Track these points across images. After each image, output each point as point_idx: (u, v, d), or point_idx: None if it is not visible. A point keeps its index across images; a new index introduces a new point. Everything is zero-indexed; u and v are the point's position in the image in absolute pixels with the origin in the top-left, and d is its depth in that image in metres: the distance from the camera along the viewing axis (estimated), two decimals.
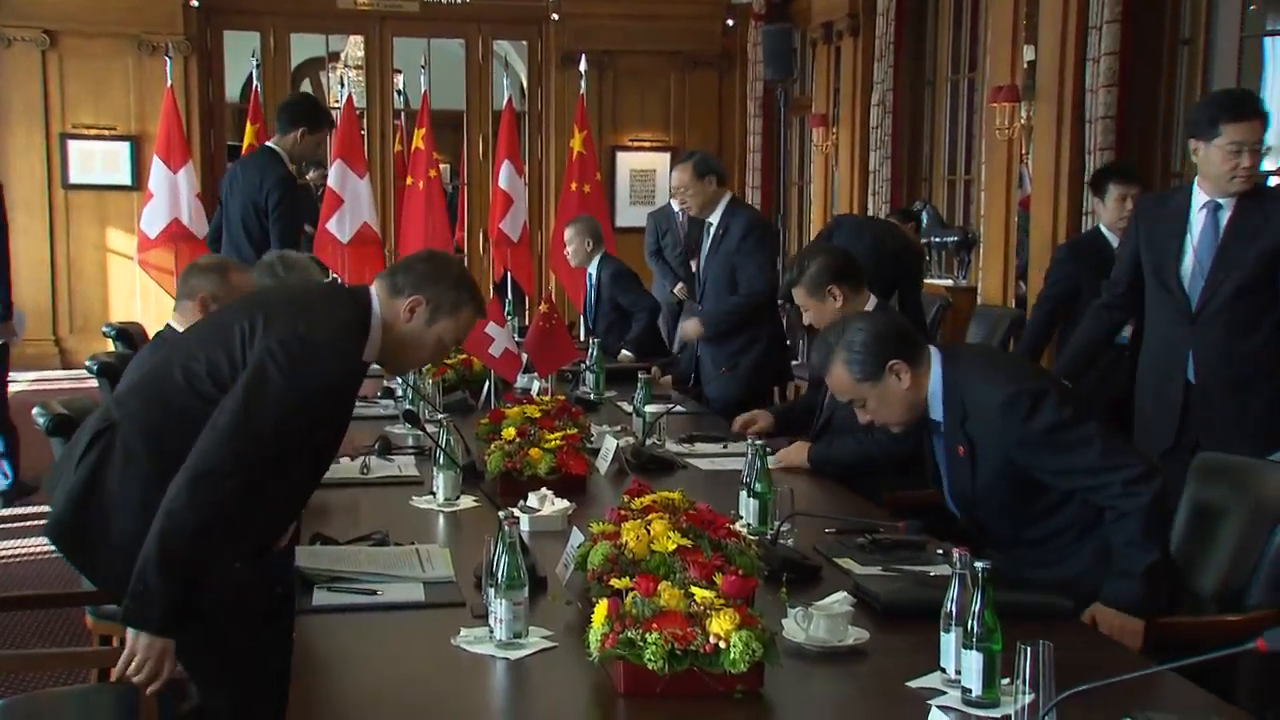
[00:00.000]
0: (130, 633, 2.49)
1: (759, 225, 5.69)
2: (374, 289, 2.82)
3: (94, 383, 4.82)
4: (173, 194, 9.80)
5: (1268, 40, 5.90)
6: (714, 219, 5.63)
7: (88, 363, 4.78)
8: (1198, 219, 4.01)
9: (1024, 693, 2.02)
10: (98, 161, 10.80)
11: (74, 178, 10.80)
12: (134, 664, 2.47)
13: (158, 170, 9.88)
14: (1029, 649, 2.01)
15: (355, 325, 2.75)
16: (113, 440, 2.67)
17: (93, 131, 10.81)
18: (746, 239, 5.52)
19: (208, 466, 2.49)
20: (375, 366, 2.92)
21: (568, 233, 7.09)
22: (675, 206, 9.12)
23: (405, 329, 2.81)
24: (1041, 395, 2.94)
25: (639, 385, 4.51)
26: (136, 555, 2.46)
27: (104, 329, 6.59)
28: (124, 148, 10.81)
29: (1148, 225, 4.19)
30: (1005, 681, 2.15)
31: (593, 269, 6.97)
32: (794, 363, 7.41)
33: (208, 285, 3.85)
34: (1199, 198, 4.01)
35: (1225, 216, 3.97)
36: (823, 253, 4.51)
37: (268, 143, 6.21)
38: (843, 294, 4.20)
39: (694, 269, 6.47)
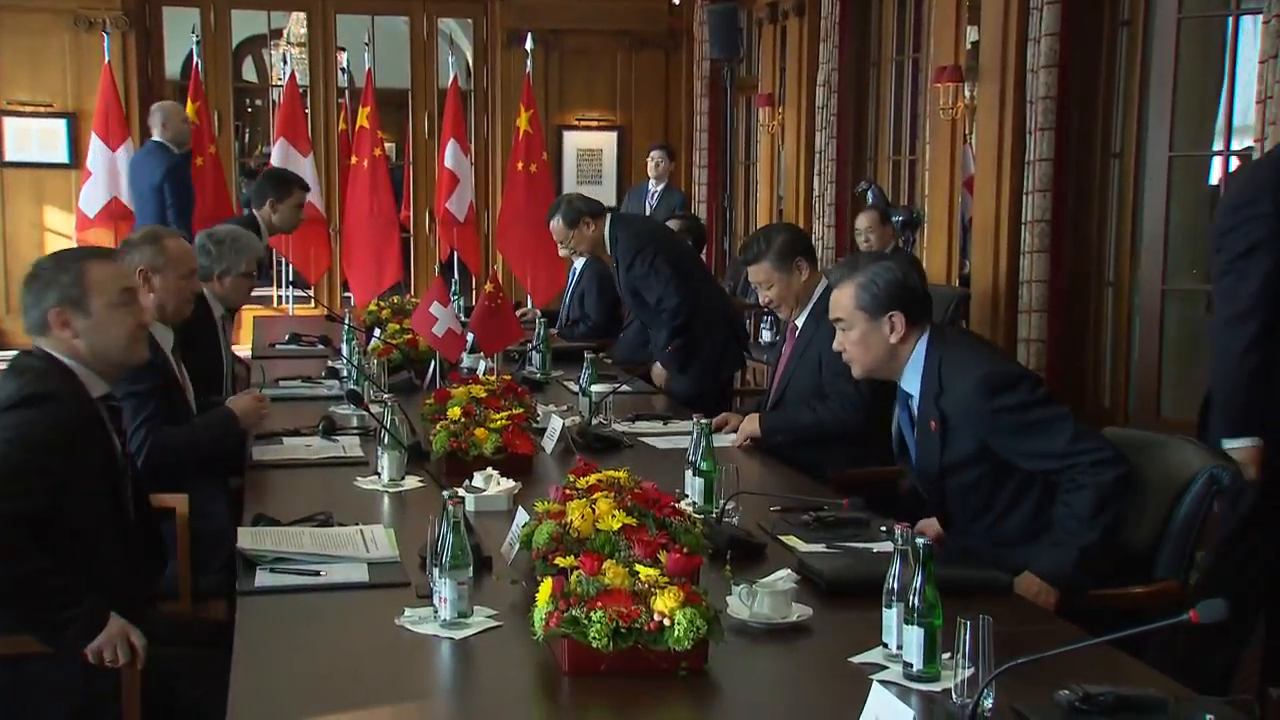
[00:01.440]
0: None
1: (636, 249, 5.52)
2: (34, 341, 2.77)
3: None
4: (111, 172, 9.67)
5: (1246, 19, 5.93)
6: (609, 252, 5.68)
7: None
8: None
9: (964, 667, 2.05)
10: (34, 139, 10.60)
11: (10, 155, 10.59)
12: (107, 659, 2.49)
13: (96, 148, 9.75)
14: (969, 624, 2.04)
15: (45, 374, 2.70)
16: None
17: (29, 108, 10.60)
18: (632, 268, 5.48)
19: None
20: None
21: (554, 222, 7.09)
22: (650, 186, 9.17)
23: (79, 342, 2.76)
24: (1018, 378, 3.00)
25: (585, 365, 4.50)
26: None
27: None
28: (61, 125, 10.61)
29: None
30: (946, 656, 2.17)
31: (579, 263, 7.01)
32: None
33: (144, 258, 3.79)
34: None
35: None
36: (783, 228, 4.57)
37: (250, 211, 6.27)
38: (807, 267, 4.26)
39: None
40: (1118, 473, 2.87)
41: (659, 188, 9.22)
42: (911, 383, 3.12)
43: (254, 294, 6.92)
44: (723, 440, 3.97)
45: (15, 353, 2.82)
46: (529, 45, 9.64)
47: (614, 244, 5.61)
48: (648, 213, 8.89)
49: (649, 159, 9.31)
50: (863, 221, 7.31)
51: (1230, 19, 6.17)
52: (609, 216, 5.72)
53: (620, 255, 5.56)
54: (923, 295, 3.13)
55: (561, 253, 5.98)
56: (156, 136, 7.99)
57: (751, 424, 4.20)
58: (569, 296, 7.06)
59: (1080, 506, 2.86)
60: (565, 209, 5.70)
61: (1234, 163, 6.10)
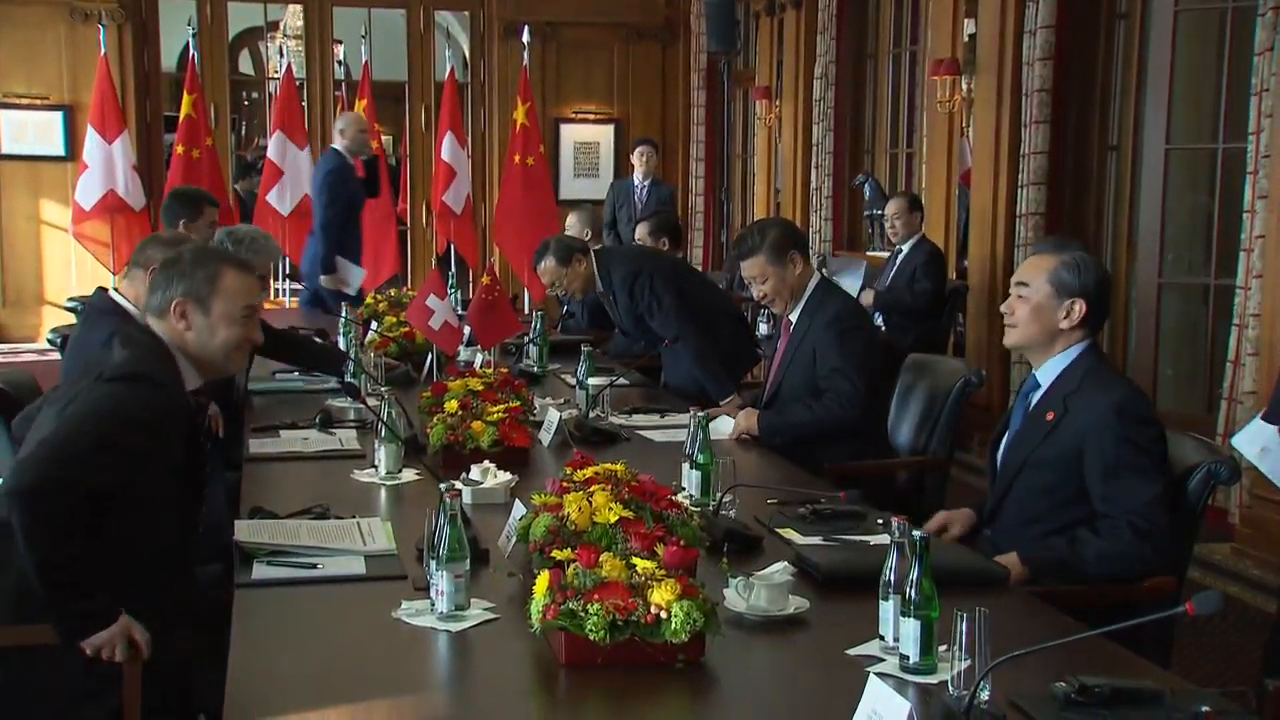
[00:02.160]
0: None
1: (633, 277, 5.35)
2: (150, 321, 2.83)
3: (31, 358, 4.77)
4: (108, 165, 9.67)
5: (1245, 11, 5.93)
6: (600, 288, 5.55)
7: (49, 336, 4.73)
8: None
9: (961, 659, 2.05)
10: (30, 131, 10.59)
11: (6, 148, 10.58)
12: (105, 656, 2.49)
13: (92, 141, 9.74)
14: (965, 616, 2.04)
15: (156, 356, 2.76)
16: None
17: (25, 101, 10.59)
18: (634, 296, 5.33)
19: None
20: None
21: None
22: (636, 180, 9.15)
23: (190, 335, 2.82)
24: (1153, 420, 2.97)
25: (581, 358, 4.50)
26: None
27: (67, 302, 6.56)
28: (57, 117, 10.60)
29: None
30: (943, 648, 2.18)
31: None
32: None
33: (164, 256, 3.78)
34: None
35: None
36: (776, 223, 4.55)
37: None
38: (801, 261, 4.26)
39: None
40: (1152, 557, 2.85)
41: (646, 182, 9.21)
42: (1048, 374, 3.07)
43: None
44: (719, 434, 3.96)
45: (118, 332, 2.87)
46: (526, 38, 9.62)
47: (605, 278, 5.48)
48: (638, 208, 8.87)
49: (635, 153, 9.29)
50: (891, 208, 7.29)
51: (1228, 12, 6.16)
52: (593, 252, 5.61)
53: (617, 286, 5.41)
54: (1107, 306, 3.09)
55: (552, 293, 5.82)
56: (336, 143, 7.86)
57: (750, 419, 4.18)
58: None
59: (1105, 546, 2.85)
60: (556, 247, 5.52)
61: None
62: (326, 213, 7.64)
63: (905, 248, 7.11)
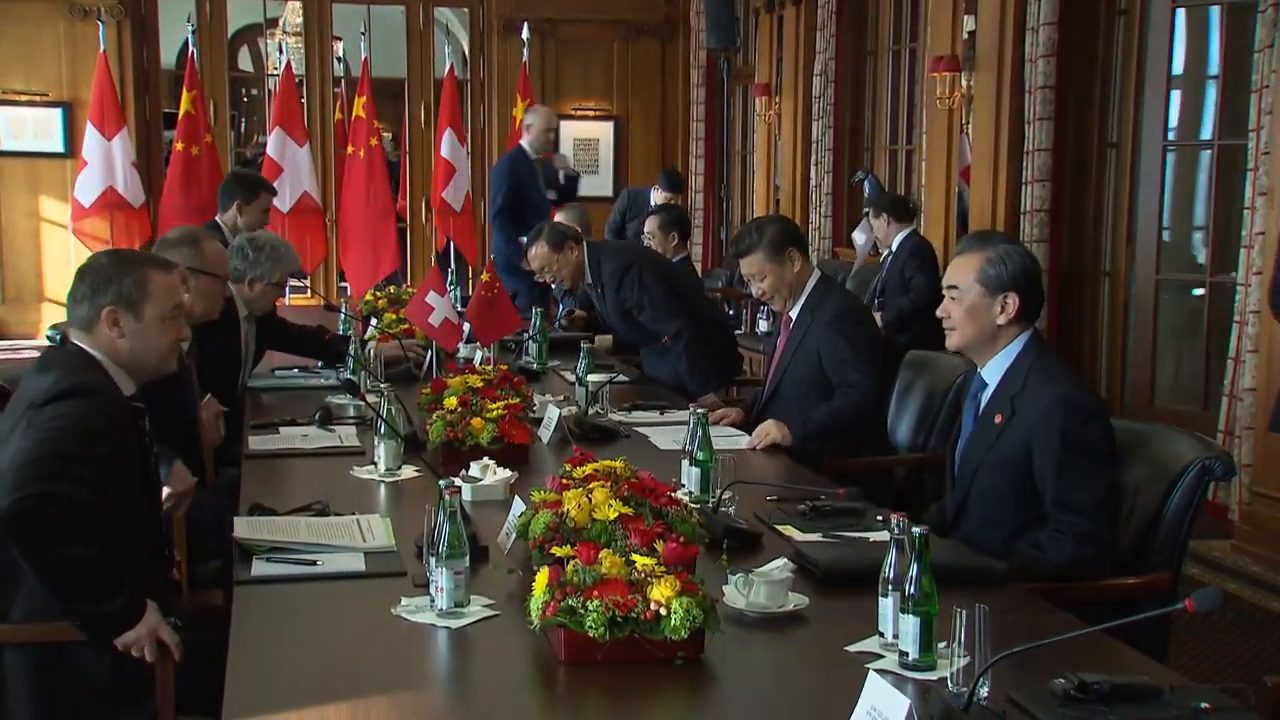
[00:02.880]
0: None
1: (622, 270, 5.28)
2: (72, 335, 2.79)
3: (31, 354, 4.77)
4: (107, 162, 9.66)
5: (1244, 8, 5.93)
6: (589, 280, 5.44)
7: (49, 332, 4.73)
8: None
9: (960, 656, 2.06)
10: (29, 128, 10.58)
11: (5, 144, 10.58)
12: (135, 655, 2.50)
13: (92, 137, 9.73)
14: (965, 613, 2.04)
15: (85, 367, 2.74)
16: None
17: (24, 97, 10.58)
18: (621, 289, 5.25)
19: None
20: None
21: (557, 217, 7.12)
22: (653, 199, 9.05)
23: (123, 342, 2.79)
24: (1098, 416, 2.96)
25: (581, 354, 4.50)
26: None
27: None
28: (56, 114, 10.59)
29: None
30: (942, 645, 2.18)
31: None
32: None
33: (182, 258, 3.72)
34: None
35: None
36: (774, 220, 4.55)
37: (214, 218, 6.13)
38: (799, 258, 4.26)
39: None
40: (1097, 558, 2.86)
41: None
42: (993, 373, 3.08)
43: None
44: (734, 445, 3.95)
45: (45, 346, 2.84)
46: (525, 34, 9.62)
47: (595, 268, 5.38)
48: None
49: (658, 191, 9.20)
50: (874, 222, 7.28)
51: (1221, 8, 6.16)
52: (585, 242, 5.54)
53: (606, 279, 5.32)
54: (1040, 294, 3.07)
55: (541, 278, 5.72)
56: (523, 140, 7.95)
57: (781, 429, 4.03)
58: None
59: (1049, 563, 2.85)
60: (549, 232, 5.46)
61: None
62: (493, 205, 7.81)
63: (893, 247, 7.07)
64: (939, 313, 3.17)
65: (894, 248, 7.05)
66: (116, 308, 2.78)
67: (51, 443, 2.51)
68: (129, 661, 2.55)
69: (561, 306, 7.17)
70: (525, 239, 5.75)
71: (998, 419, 3.03)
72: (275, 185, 9.60)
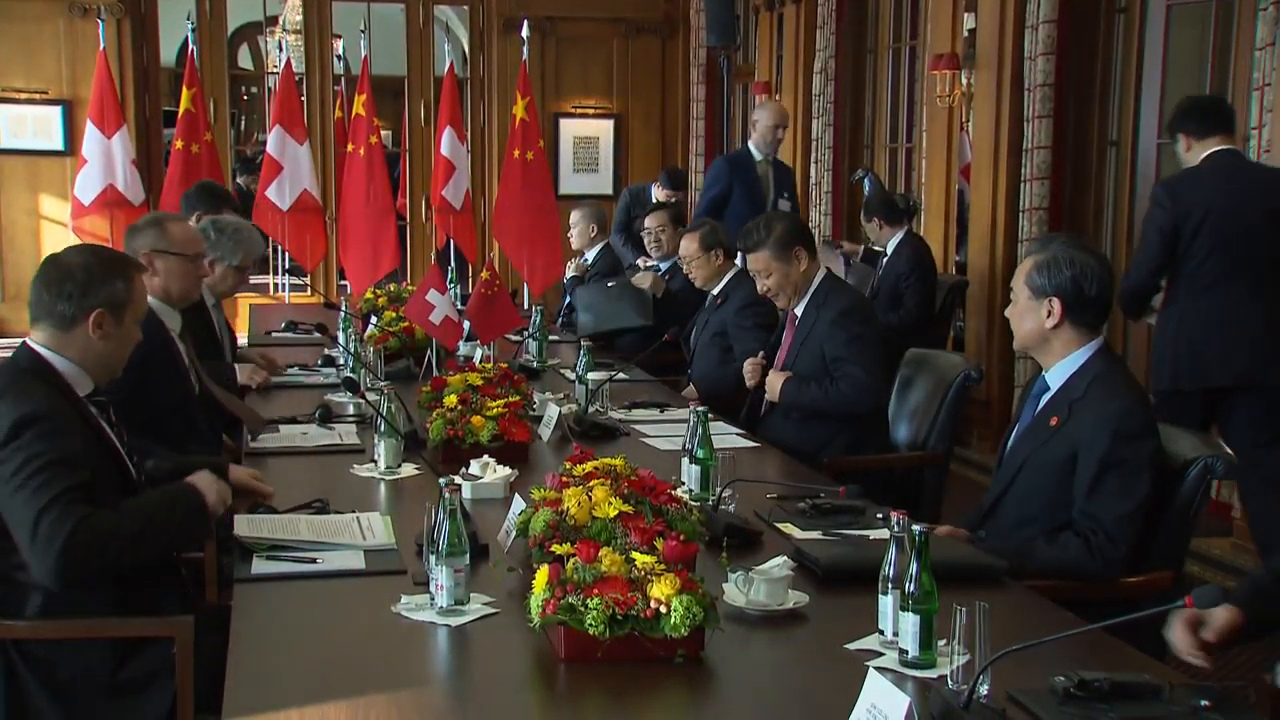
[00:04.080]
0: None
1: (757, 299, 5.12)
2: (41, 347, 2.74)
3: None
4: (107, 160, 9.64)
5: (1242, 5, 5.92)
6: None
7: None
8: None
9: (960, 654, 2.06)
10: (29, 126, 10.57)
11: (4, 143, 10.57)
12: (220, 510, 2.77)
13: (92, 135, 9.71)
14: (964, 610, 2.04)
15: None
16: None
17: (23, 95, 10.57)
18: (743, 311, 5.13)
19: None
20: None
21: (574, 215, 7.19)
22: (655, 197, 9.01)
23: (100, 345, 2.76)
24: (1149, 435, 2.95)
25: (581, 353, 4.50)
26: None
27: None
28: (56, 112, 10.58)
29: None
30: (942, 643, 2.18)
31: (591, 254, 7.10)
32: None
33: (148, 241, 3.80)
34: None
35: None
36: (782, 217, 4.56)
37: None
38: (806, 256, 4.28)
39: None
40: (1100, 572, 2.86)
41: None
42: (1057, 378, 3.07)
43: (251, 282, 6.82)
44: (719, 435, 3.95)
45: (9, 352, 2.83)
46: (525, 32, 9.60)
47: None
48: None
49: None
50: (866, 226, 7.27)
51: (1217, 5, 6.15)
52: (737, 268, 5.34)
53: (735, 295, 5.12)
54: (1093, 300, 3.03)
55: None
56: (750, 139, 7.08)
57: (776, 380, 4.26)
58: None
59: (1051, 558, 2.87)
60: (707, 231, 5.29)
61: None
62: (699, 206, 6.99)
63: (889, 248, 7.05)
64: (1006, 313, 3.19)
65: (889, 250, 7.04)
66: (106, 311, 2.73)
67: (41, 486, 2.49)
68: (134, 659, 2.55)
69: (564, 304, 7.17)
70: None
71: (1053, 421, 3.02)
72: (276, 183, 9.67)
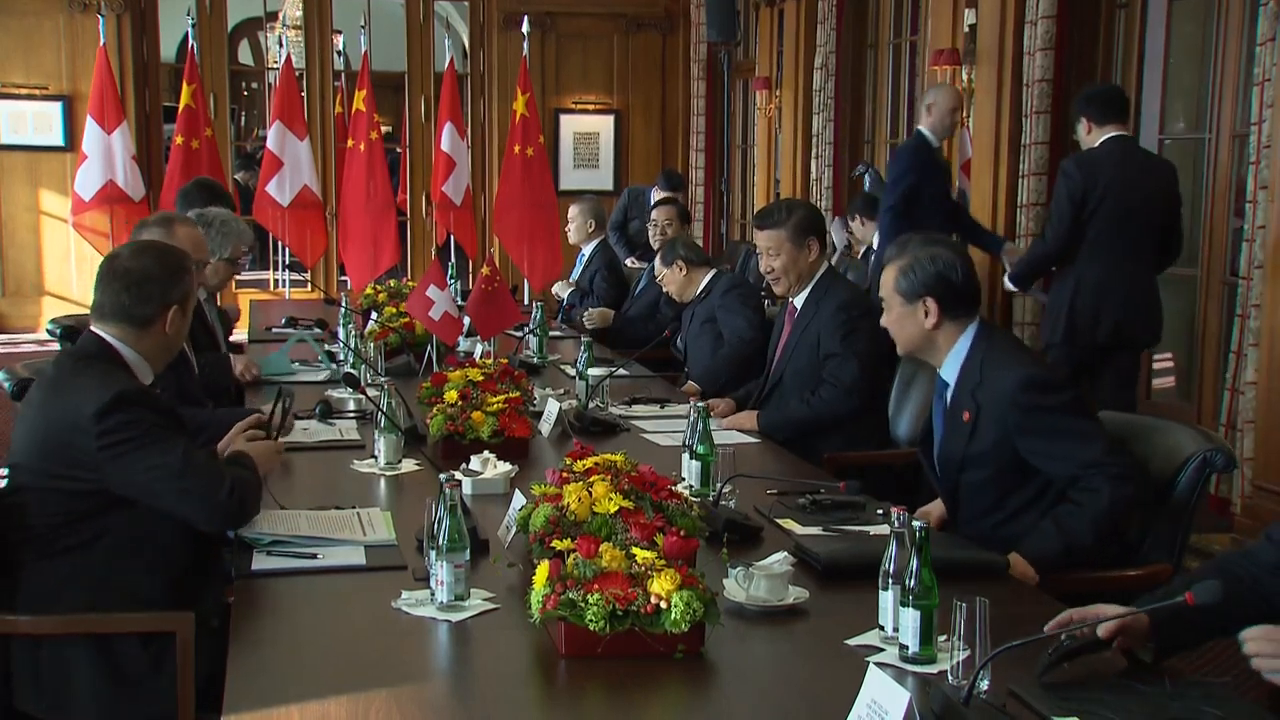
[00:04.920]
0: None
1: (741, 283, 5.43)
2: (113, 339, 2.81)
3: (31, 348, 4.78)
4: (107, 155, 9.64)
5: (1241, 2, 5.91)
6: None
7: (49, 326, 4.74)
8: None
9: (960, 649, 2.06)
10: (29, 122, 10.58)
11: (4, 138, 10.58)
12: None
13: (92, 131, 9.71)
14: (965, 606, 2.04)
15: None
16: None
17: (23, 91, 10.58)
18: (728, 294, 5.36)
19: None
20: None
21: (572, 210, 7.22)
22: (654, 199, 8.99)
23: (167, 336, 2.88)
24: (1061, 383, 3.02)
25: (581, 349, 4.50)
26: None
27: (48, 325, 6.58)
28: (56, 108, 10.59)
29: None
30: (942, 638, 2.18)
31: (588, 250, 7.14)
32: None
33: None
34: None
35: None
36: (804, 205, 4.59)
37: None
38: (817, 248, 4.30)
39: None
40: (1135, 491, 2.88)
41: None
42: (950, 371, 3.11)
43: (250, 277, 6.89)
44: (719, 431, 3.96)
45: (45, 340, 2.94)
46: (525, 28, 9.60)
47: (717, 277, 5.52)
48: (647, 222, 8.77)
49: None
50: (853, 225, 7.32)
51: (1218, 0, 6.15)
52: (713, 270, 5.58)
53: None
54: (963, 289, 3.08)
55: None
56: (921, 123, 6.35)
57: (749, 421, 4.23)
58: (581, 276, 7.11)
59: (1090, 510, 2.86)
60: (665, 250, 5.68)
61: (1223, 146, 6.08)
62: (886, 198, 6.30)
63: (874, 244, 7.04)
64: (882, 322, 3.23)
65: (875, 245, 7.04)
66: (179, 307, 2.86)
67: (174, 442, 2.68)
68: (133, 655, 2.55)
69: (563, 303, 7.19)
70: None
71: (965, 416, 3.06)
72: (276, 179, 9.67)
